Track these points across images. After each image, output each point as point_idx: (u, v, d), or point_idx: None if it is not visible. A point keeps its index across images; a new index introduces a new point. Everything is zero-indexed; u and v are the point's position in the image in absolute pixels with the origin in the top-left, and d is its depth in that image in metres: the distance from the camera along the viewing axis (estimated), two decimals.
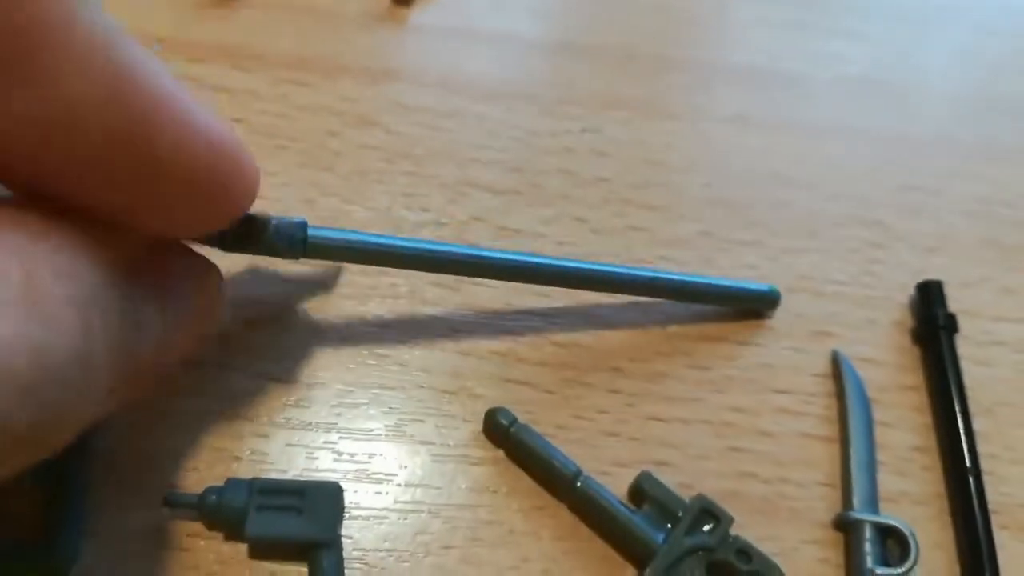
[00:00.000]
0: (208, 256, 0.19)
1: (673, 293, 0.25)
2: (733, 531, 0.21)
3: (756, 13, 0.34)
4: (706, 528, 0.21)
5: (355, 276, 0.25)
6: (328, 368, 0.23)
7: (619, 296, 0.25)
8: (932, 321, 0.25)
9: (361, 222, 0.26)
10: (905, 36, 0.34)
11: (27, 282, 0.13)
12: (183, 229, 0.17)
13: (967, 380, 0.25)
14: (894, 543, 0.22)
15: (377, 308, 0.24)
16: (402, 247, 0.22)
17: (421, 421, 0.23)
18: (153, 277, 0.17)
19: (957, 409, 0.24)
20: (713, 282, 0.25)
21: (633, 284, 0.24)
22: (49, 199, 0.14)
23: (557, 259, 0.24)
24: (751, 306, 0.26)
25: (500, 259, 0.23)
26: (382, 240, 0.21)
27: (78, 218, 0.15)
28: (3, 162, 0.14)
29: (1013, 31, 0.35)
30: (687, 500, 0.22)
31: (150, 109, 0.14)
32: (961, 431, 0.24)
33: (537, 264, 0.23)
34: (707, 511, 0.22)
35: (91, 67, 0.13)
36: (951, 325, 0.25)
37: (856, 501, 0.23)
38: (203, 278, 0.19)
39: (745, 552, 0.21)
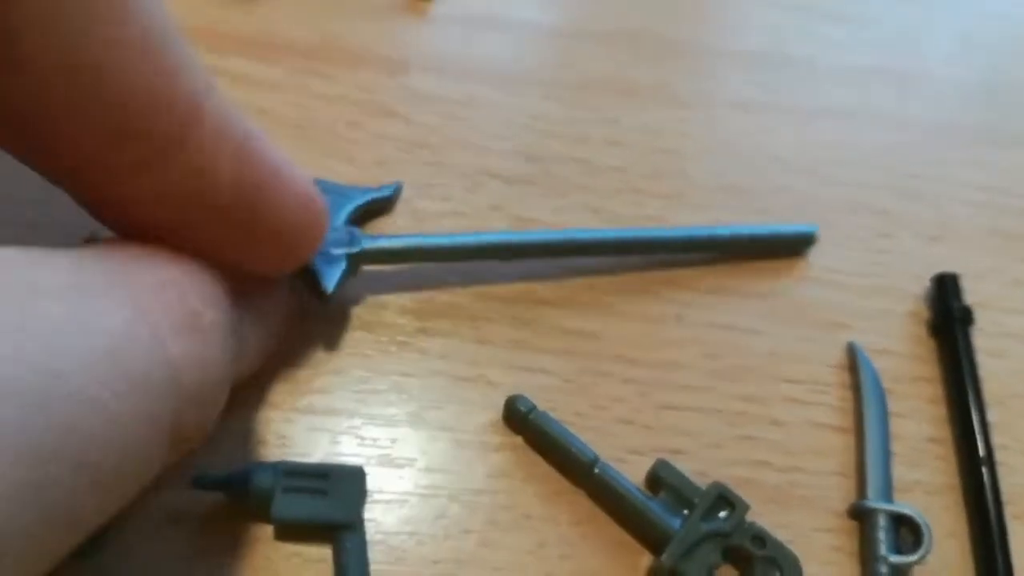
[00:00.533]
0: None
1: (716, 246, 0.26)
2: (748, 518, 0.22)
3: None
4: (722, 515, 0.22)
5: (374, 266, 0.25)
6: (351, 356, 0.24)
7: (635, 286, 0.26)
8: (948, 314, 0.26)
9: (382, 211, 0.26)
10: (911, 22, 0.34)
11: (186, 309, 0.16)
12: (268, 268, 0.20)
13: (980, 372, 0.26)
14: (907, 532, 0.23)
15: (397, 298, 0.25)
16: (450, 245, 0.24)
17: (441, 408, 0.23)
18: (249, 301, 0.19)
19: (972, 401, 0.25)
20: (751, 231, 0.27)
21: (674, 242, 0.26)
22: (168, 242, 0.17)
23: (582, 231, 0.25)
24: (790, 248, 0.27)
25: (541, 240, 0.25)
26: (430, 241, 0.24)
27: (198, 255, 0.17)
28: (151, 217, 0.17)
29: (1018, 17, 0.35)
30: (703, 487, 0.22)
31: (266, 175, 0.17)
32: (975, 422, 0.24)
33: (570, 240, 0.25)
34: (723, 498, 0.22)
35: (225, 143, 0.16)
36: (967, 318, 0.26)
37: (870, 490, 0.23)
38: (283, 302, 0.22)
39: (760, 538, 0.22)
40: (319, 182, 0.25)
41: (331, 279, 0.22)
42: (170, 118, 0.15)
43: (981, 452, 0.24)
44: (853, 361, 0.25)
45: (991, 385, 0.26)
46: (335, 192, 0.25)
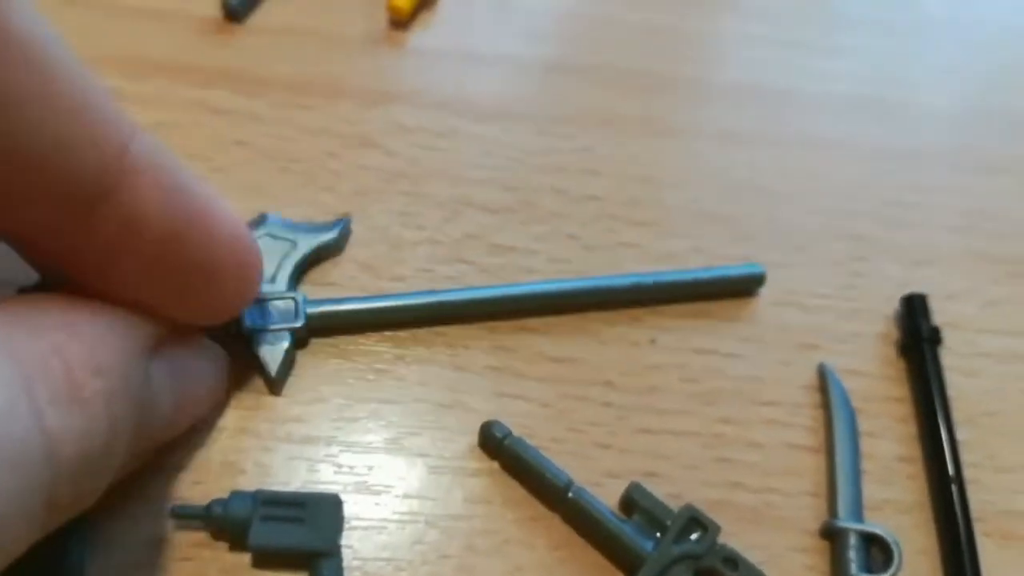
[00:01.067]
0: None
1: (660, 294, 0.27)
2: (721, 539, 0.22)
3: (743, 30, 0.35)
4: (694, 537, 0.22)
5: (353, 293, 0.26)
6: (328, 383, 0.24)
7: (614, 311, 0.26)
8: (916, 334, 0.26)
9: (361, 240, 0.27)
10: (891, 51, 0.35)
11: (69, 379, 0.15)
12: (204, 314, 0.19)
13: (952, 391, 0.26)
14: (878, 551, 0.23)
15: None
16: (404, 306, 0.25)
17: (418, 434, 0.24)
18: (167, 361, 0.19)
19: (940, 419, 0.25)
20: (697, 275, 0.27)
21: (618, 292, 0.26)
22: (80, 288, 0.17)
23: (532, 285, 0.26)
24: (739, 290, 0.27)
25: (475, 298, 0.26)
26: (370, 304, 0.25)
27: (105, 306, 0.17)
28: (78, 263, 0.16)
29: (998, 45, 0.36)
30: (676, 510, 0.23)
31: (195, 215, 0.17)
32: (944, 441, 0.25)
33: (511, 296, 0.26)
34: (695, 520, 0.22)
35: (152, 189, 0.16)
36: (935, 337, 0.26)
37: (841, 510, 0.24)
38: (211, 361, 0.22)
39: (732, 560, 0.22)
40: (268, 218, 0.26)
41: (275, 363, 0.23)
42: (93, 170, 0.15)
43: (950, 470, 0.24)
44: (823, 381, 0.26)
45: (963, 404, 0.26)
46: (282, 234, 0.25)
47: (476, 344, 0.25)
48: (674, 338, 0.26)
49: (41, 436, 0.14)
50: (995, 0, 0.38)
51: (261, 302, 0.24)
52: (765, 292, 0.27)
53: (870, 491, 0.25)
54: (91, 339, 0.16)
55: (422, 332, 0.25)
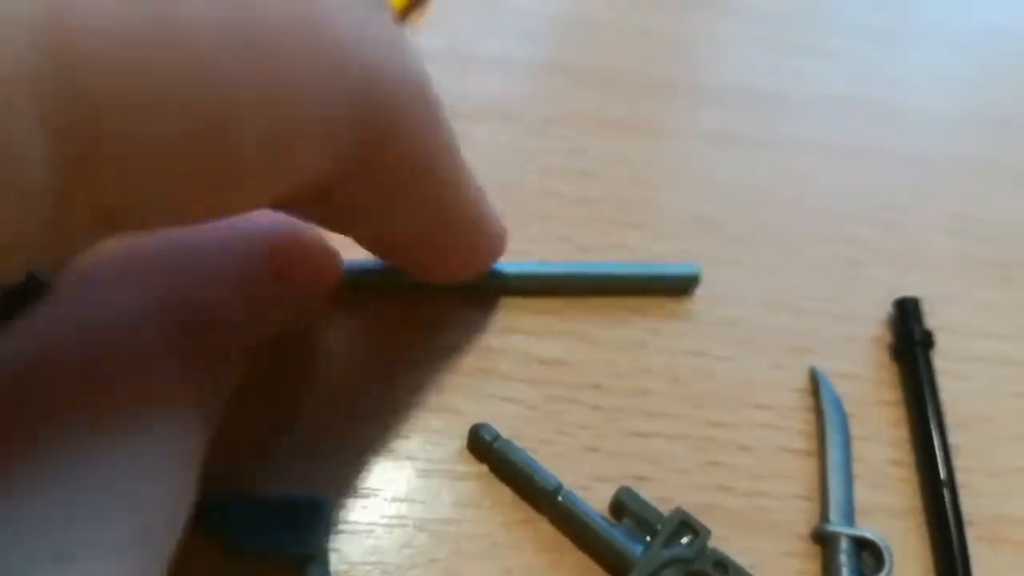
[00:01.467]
0: None
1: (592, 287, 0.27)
2: (712, 544, 0.22)
3: (737, 32, 0.35)
4: (684, 541, 0.22)
5: (340, 294, 0.26)
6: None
7: (604, 313, 0.26)
8: (909, 337, 0.26)
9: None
10: (883, 54, 0.35)
11: None
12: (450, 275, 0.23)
13: (944, 395, 0.26)
14: (869, 555, 0.23)
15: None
16: None
17: (407, 437, 0.24)
18: None
19: (932, 423, 0.25)
20: (630, 270, 0.27)
21: (546, 280, 0.27)
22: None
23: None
24: (673, 286, 0.27)
25: None
26: None
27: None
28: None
29: (989, 48, 0.36)
30: (666, 514, 0.23)
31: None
32: (936, 445, 0.25)
33: None
34: (685, 524, 0.22)
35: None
36: (927, 341, 0.26)
37: (832, 514, 0.24)
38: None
39: (723, 564, 0.22)
40: None
41: None
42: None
43: (942, 474, 0.24)
44: (816, 385, 0.26)
45: (956, 408, 0.26)
46: None
47: (464, 346, 0.25)
48: (665, 340, 0.26)
49: None
50: (986, 2, 0.38)
51: None
52: (757, 295, 0.28)
53: (862, 495, 0.25)
54: None
55: (412, 335, 0.25)
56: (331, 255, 0.21)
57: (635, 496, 0.23)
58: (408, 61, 0.16)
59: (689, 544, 0.22)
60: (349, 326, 0.25)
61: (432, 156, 0.18)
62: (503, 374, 0.25)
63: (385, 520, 0.22)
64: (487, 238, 0.22)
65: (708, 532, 0.22)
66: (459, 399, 0.25)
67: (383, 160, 0.16)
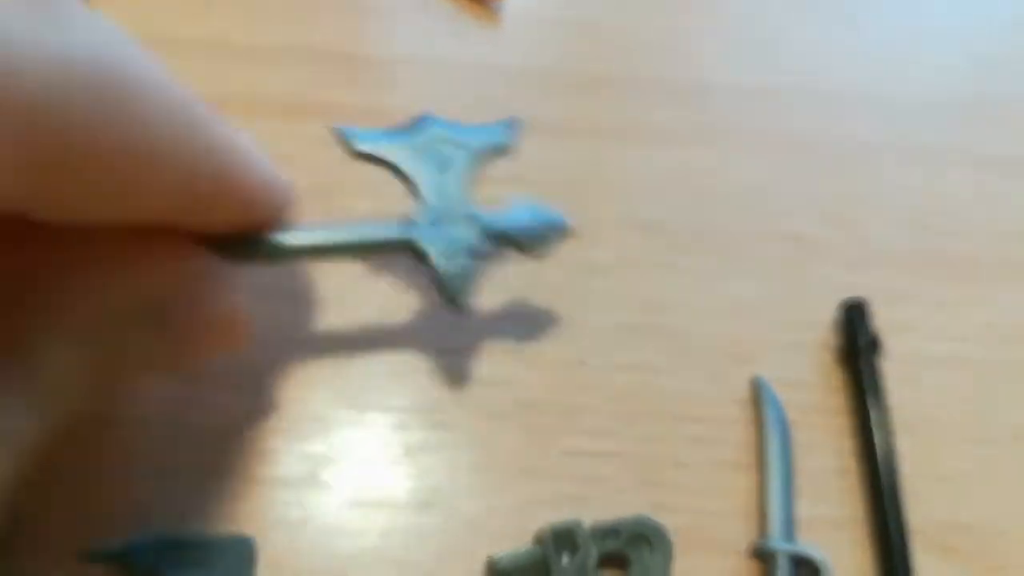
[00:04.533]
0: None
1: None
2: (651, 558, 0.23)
3: (671, 24, 0.35)
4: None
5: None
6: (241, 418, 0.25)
7: (537, 335, 0.27)
8: (854, 343, 0.27)
9: None
10: (831, 40, 0.35)
11: None
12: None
13: (893, 399, 0.27)
14: (809, 572, 0.24)
15: (265, 358, 0.26)
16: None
17: (337, 464, 0.25)
18: None
19: (877, 430, 0.26)
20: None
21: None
22: None
23: None
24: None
25: None
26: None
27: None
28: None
29: (943, 33, 0.36)
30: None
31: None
32: (879, 452, 0.25)
33: None
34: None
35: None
36: (874, 346, 0.27)
37: (771, 529, 0.24)
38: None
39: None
40: (427, 120, 0.26)
41: (462, 284, 0.23)
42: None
43: (885, 483, 0.25)
44: (758, 395, 0.26)
45: (904, 412, 0.27)
46: (450, 138, 0.25)
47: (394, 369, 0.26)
48: (601, 356, 0.27)
49: None
50: None
51: (436, 216, 0.24)
52: (697, 302, 0.28)
53: (806, 507, 0.25)
54: None
55: (334, 365, 0.26)
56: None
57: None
58: (77, 49, 0.15)
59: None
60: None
61: (149, 134, 0.17)
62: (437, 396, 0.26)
63: (311, 553, 0.23)
64: (260, 193, 0.21)
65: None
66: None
67: (81, 158, 0.16)
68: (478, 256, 0.24)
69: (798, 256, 0.29)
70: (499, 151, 0.26)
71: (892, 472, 0.25)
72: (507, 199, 0.25)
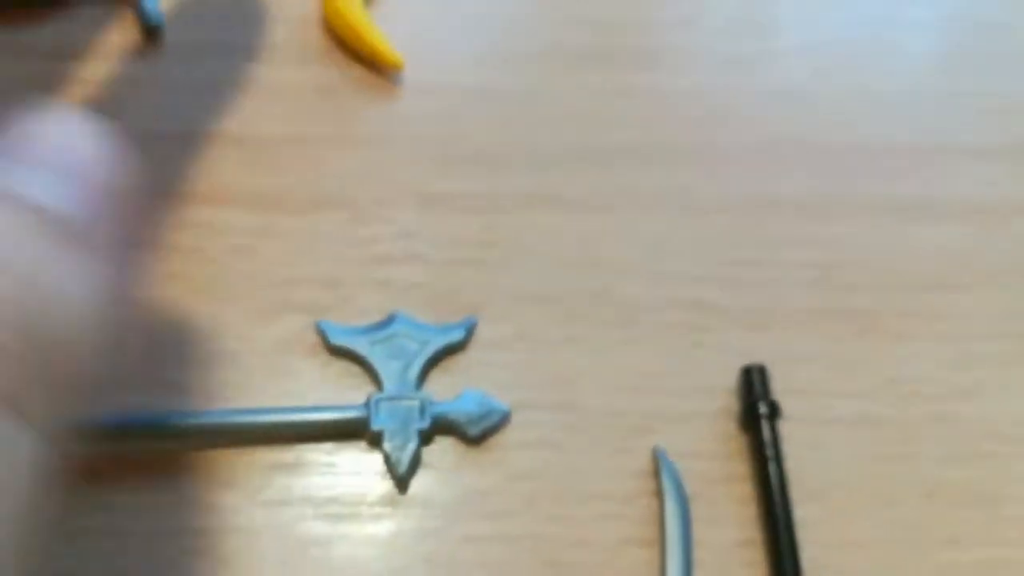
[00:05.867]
0: None
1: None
2: None
3: (566, 90, 0.34)
4: None
5: None
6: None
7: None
8: (754, 410, 0.27)
9: None
10: (725, 86, 0.35)
11: None
12: None
13: (797, 464, 0.27)
14: None
15: None
16: None
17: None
18: None
19: (777, 501, 0.26)
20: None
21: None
22: None
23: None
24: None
25: None
26: None
27: None
28: None
29: (851, 69, 0.36)
30: None
31: None
32: (780, 524, 0.25)
33: None
34: None
35: None
36: (774, 412, 0.27)
37: None
38: None
39: None
40: (397, 317, 0.28)
41: (404, 462, 0.26)
42: None
43: (787, 555, 0.25)
44: (657, 468, 0.26)
45: (809, 478, 0.27)
46: (413, 335, 0.28)
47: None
48: (500, 434, 0.27)
49: None
50: (844, 28, 0.37)
51: (391, 400, 0.27)
52: (596, 375, 0.28)
53: None
54: None
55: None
56: None
57: None
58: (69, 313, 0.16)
59: None
60: None
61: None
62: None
63: None
64: None
65: None
66: None
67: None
68: (423, 439, 0.26)
69: (697, 321, 0.29)
70: (454, 349, 0.28)
71: (792, 544, 0.25)
72: (460, 391, 0.27)
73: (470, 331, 0.28)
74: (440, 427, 0.27)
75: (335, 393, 0.28)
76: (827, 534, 0.26)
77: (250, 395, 0.27)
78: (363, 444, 0.27)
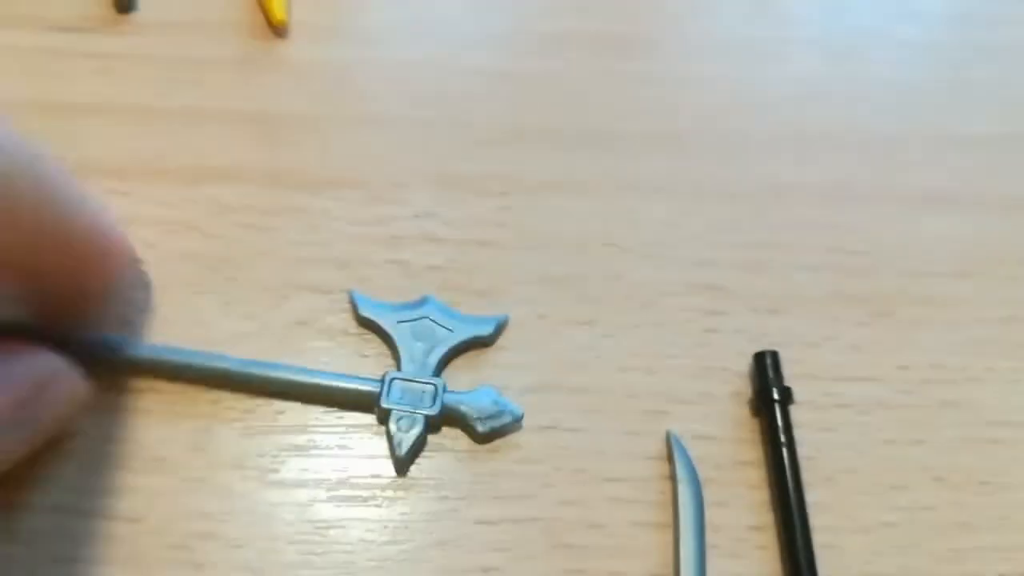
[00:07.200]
0: None
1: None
2: None
3: (583, 74, 0.34)
4: None
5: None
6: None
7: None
8: (767, 394, 0.27)
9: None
10: (740, 74, 0.35)
11: None
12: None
13: (808, 449, 0.27)
14: None
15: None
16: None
17: None
18: None
19: (790, 485, 0.26)
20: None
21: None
22: None
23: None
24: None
25: None
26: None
27: None
28: None
29: (865, 59, 0.36)
30: None
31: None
32: (793, 508, 0.25)
33: None
34: None
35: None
36: (786, 397, 0.27)
37: None
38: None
39: None
40: (428, 300, 0.28)
41: (406, 444, 0.26)
42: None
43: (798, 539, 0.25)
44: (671, 452, 0.26)
45: (820, 463, 0.27)
46: (441, 321, 0.28)
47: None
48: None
49: None
50: (860, 9, 0.38)
51: (406, 382, 0.26)
52: (611, 358, 0.28)
53: (720, 564, 0.25)
54: None
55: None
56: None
57: None
58: None
59: None
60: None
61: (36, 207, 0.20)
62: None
63: None
64: (107, 250, 0.24)
65: None
66: None
67: None
68: (428, 426, 0.26)
69: (712, 305, 0.29)
70: (481, 343, 0.28)
71: (805, 528, 0.25)
72: (477, 386, 0.27)
73: (500, 328, 0.28)
74: (449, 417, 0.26)
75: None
76: (838, 518, 0.26)
77: None
78: (374, 423, 0.27)
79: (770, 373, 0.27)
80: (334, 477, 0.26)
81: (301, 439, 0.26)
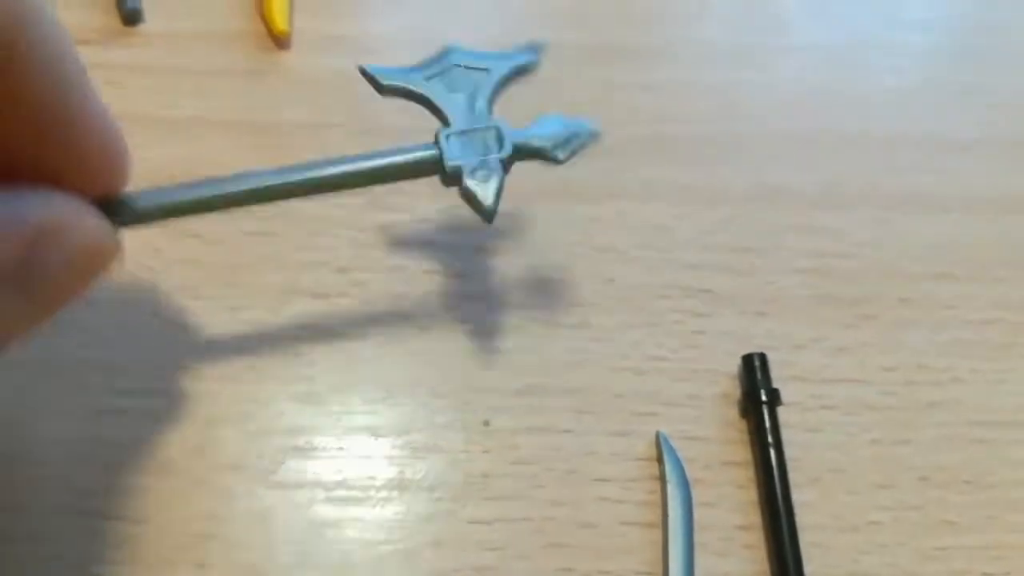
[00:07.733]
0: None
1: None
2: None
3: (576, 79, 0.35)
4: None
5: None
6: None
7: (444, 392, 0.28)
8: (755, 396, 0.27)
9: None
10: (728, 80, 0.35)
11: None
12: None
13: (795, 450, 0.27)
14: None
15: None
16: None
17: None
18: None
19: (777, 486, 0.26)
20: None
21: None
22: None
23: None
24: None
25: None
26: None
27: None
28: None
29: (854, 64, 0.36)
30: None
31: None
32: (780, 508, 0.26)
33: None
34: None
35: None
36: (774, 399, 0.27)
37: None
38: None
39: None
40: (451, 49, 0.26)
41: (490, 194, 0.23)
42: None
43: (786, 538, 0.25)
44: (660, 452, 0.27)
45: (807, 463, 0.27)
46: (472, 64, 0.25)
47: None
48: (505, 418, 0.27)
49: None
50: (846, 24, 0.38)
51: (463, 134, 0.24)
52: (602, 360, 0.29)
53: (708, 564, 0.26)
54: None
55: None
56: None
57: None
58: None
59: None
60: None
61: (56, 64, 0.18)
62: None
63: None
64: (114, 149, 0.22)
65: None
66: None
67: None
68: (506, 169, 0.24)
69: (700, 308, 0.30)
70: (524, 72, 0.26)
71: (792, 528, 0.26)
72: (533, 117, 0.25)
73: (540, 51, 0.26)
74: (523, 154, 0.24)
75: None
76: (825, 518, 0.27)
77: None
78: (374, 423, 0.27)
79: (758, 375, 0.28)
80: (331, 478, 0.26)
81: (299, 441, 0.27)
